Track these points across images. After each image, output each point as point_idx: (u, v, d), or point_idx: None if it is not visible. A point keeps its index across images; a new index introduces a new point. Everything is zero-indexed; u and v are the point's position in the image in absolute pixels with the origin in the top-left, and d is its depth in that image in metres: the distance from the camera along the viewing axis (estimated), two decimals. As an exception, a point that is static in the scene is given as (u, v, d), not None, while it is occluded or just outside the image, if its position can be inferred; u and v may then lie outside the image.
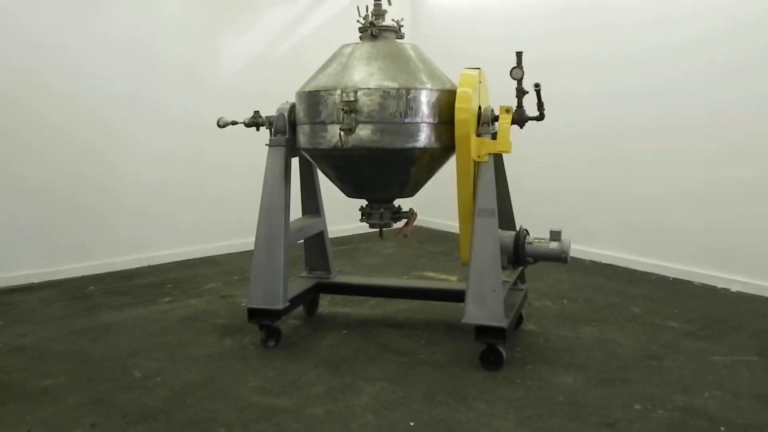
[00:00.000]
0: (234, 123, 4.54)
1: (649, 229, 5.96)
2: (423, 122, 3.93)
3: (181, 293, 5.61)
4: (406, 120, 3.88)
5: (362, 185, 4.19)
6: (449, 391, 3.67)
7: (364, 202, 4.38)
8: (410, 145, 3.92)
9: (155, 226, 6.59)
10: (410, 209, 4.40)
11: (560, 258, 4.16)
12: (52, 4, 5.88)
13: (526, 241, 4.20)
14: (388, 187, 4.16)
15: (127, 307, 5.24)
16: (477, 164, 4.03)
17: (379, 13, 4.27)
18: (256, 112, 4.49)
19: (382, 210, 4.29)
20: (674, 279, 5.74)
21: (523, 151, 6.62)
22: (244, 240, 6.18)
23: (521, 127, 4.18)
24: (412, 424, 3.30)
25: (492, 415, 3.38)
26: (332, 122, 3.92)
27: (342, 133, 3.87)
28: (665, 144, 5.80)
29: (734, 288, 5.44)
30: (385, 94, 3.85)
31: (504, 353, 3.95)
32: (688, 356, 4.10)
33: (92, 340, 4.52)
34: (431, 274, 6.10)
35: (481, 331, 3.92)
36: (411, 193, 4.33)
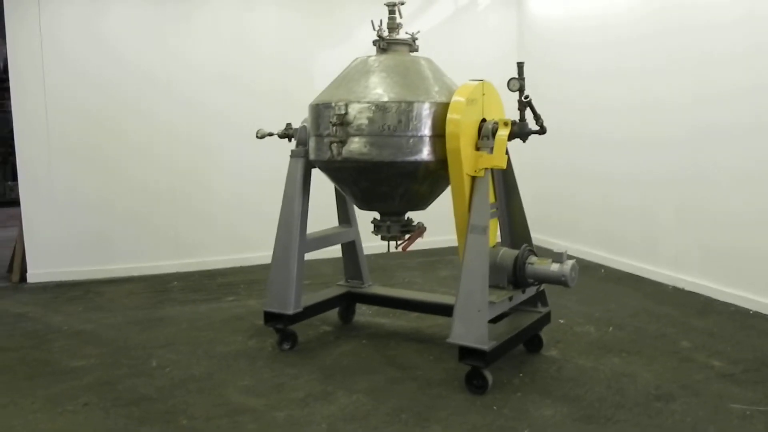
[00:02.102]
0: (270, 134, 4.77)
1: (734, 254, 5.28)
2: (415, 135, 3.91)
3: (246, 294, 5.98)
4: (396, 133, 3.89)
5: (365, 197, 4.25)
6: (418, 411, 3.62)
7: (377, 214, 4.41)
8: (400, 158, 3.91)
9: (249, 230, 7.01)
10: (419, 223, 4.36)
11: (560, 281, 3.91)
12: (148, 31, 6.62)
13: (528, 261, 3.98)
14: (389, 200, 4.17)
15: (192, 302, 5.72)
16: (474, 179, 3.90)
17: (392, 26, 4.30)
18: (288, 124, 4.71)
19: (389, 223, 4.30)
20: (755, 313, 5.05)
21: (612, 165, 6.36)
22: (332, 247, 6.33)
23: (524, 141, 4.02)
24: (352, 437, 3.31)
25: (435, 438, 3.28)
26: (328, 135, 4.01)
27: (333, 145, 3.95)
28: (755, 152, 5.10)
29: (826, 330, 4.69)
30: (376, 107, 3.89)
31: (489, 377, 3.78)
32: (704, 400, 3.65)
33: (141, 329, 5.02)
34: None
35: (464, 352, 3.81)
36: (421, 206, 4.29)
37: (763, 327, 4.79)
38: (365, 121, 3.91)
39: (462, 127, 3.81)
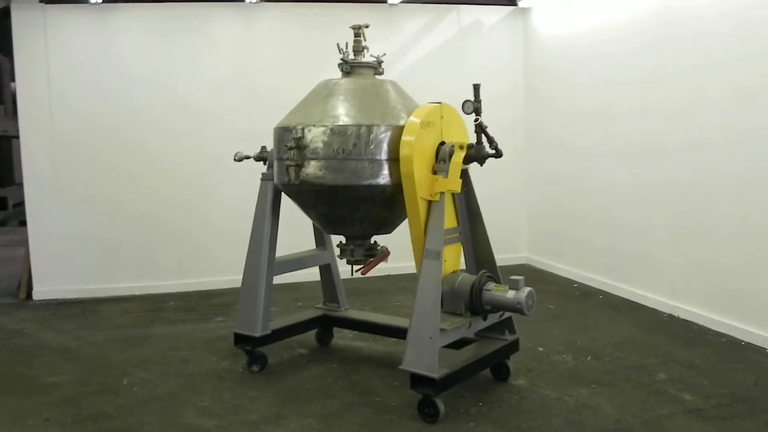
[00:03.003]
0: (248, 157, 4.87)
1: (728, 281, 5.09)
2: (370, 159, 3.94)
3: (237, 315, 6.04)
4: (351, 157, 3.92)
5: (327, 221, 4.31)
6: (364, 438, 3.60)
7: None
8: (355, 182, 3.95)
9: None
10: (382, 247, 4.37)
11: (516, 309, 3.87)
12: (163, 48, 6.85)
13: (485, 288, 3.94)
14: (349, 224, 4.22)
15: (181, 322, 5.86)
16: (431, 203, 3.90)
17: (358, 49, 4.35)
18: (263, 147, 4.79)
19: (353, 247, 4.33)
20: (746, 344, 4.85)
21: (615, 180, 6.22)
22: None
23: (481, 165, 4.00)
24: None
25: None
26: (287, 159, 4.08)
27: (291, 169, 4.01)
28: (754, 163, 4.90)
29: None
30: (330, 131, 3.94)
31: (440, 406, 3.75)
32: (660, 437, 3.52)
33: (123, 347, 5.18)
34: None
35: (415, 379, 3.79)
36: (385, 230, 4.32)
37: (751, 359, 4.60)
38: (320, 145, 3.97)
39: (416, 149, 3.83)
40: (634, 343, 4.99)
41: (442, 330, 3.78)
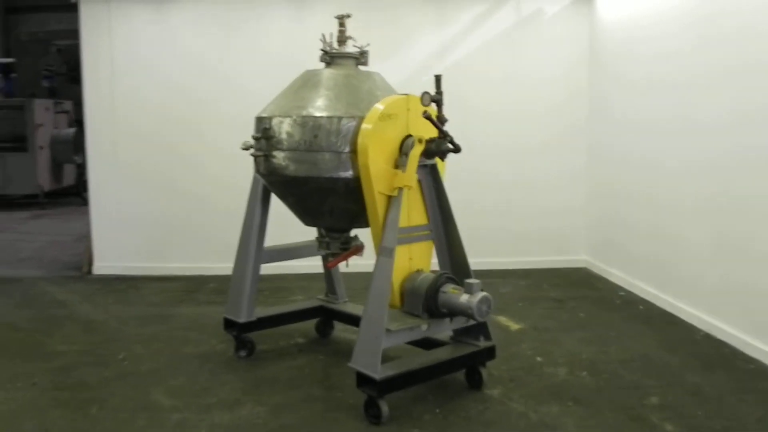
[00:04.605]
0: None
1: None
2: (331, 151, 3.94)
3: (261, 300, 6.24)
4: (312, 148, 3.95)
5: (299, 212, 4.39)
6: (301, 433, 3.67)
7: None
8: (316, 174, 3.99)
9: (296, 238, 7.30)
10: (357, 242, 4.36)
11: (467, 313, 3.74)
12: (220, 36, 7.19)
13: (441, 289, 3.82)
14: (319, 216, 4.27)
15: (207, 304, 6.17)
16: (390, 198, 3.85)
17: (341, 39, 4.36)
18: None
19: (328, 239, 4.36)
20: (776, 373, 4.35)
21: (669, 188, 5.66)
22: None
23: (442, 159, 3.88)
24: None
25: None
26: (259, 149, 4.18)
27: (259, 159, 4.11)
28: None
29: None
30: (293, 121, 3.99)
31: (384, 408, 3.72)
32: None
33: (141, 324, 5.55)
34: (502, 318, 5.63)
35: (360, 378, 3.77)
36: (359, 224, 4.30)
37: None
38: (285, 136, 4.03)
39: (373, 140, 3.79)
40: (645, 361, 4.63)
41: (387, 330, 3.73)
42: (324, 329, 5.25)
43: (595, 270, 7.15)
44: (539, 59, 7.29)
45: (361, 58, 4.38)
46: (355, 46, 4.39)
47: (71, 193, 13.28)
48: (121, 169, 7.24)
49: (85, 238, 7.72)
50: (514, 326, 5.46)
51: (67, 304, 6.16)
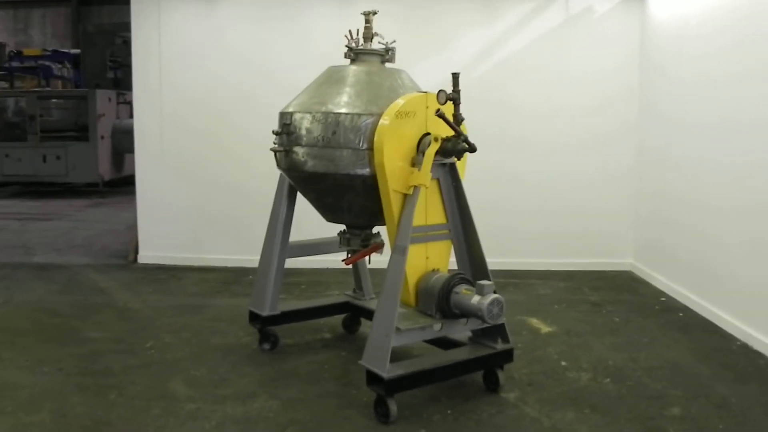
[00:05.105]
0: None
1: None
2: (348, 147, 3.96)
3: (297, 294, 6.40)
4: (330, 144, 3.98)
5: (320, 208, 4.42)
6: (308, 428, 3.75)
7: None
8: (332, 170, 4.01)
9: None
10: (378, 239, 4.36)
11: (477, 315, 3.69)
12: (266, 33, 7.28)
13: (454, 290, 3.79)
14: (338, 212, 4.29)
15: (242, 296, 6.28)
16: (406, 196, 3.84)
17: (367, 36, 4.35)
18: None
19: (349, 236, 4.39)
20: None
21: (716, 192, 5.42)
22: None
23: (458, 159, 3.83)
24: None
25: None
26: (280, 144, 4.23)
27: (279, 154, 4.16)
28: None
29: None
30: (312, 117, 4.02)
31: (392, 407, 3.72)
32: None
33: (174, 314, 5.70)
34: (534, 320, 5.54)
35: (370, 376, 3.78)
36: (381, 221, 4.28)
37: (802, 408, 3.93)
38: (304, 132, 4.06)
39: (389, 138, 3.78)
40: (674, 370, 4.48)
41: (397, 329, 3.72)
42: (351, 325, 5.28)
43: (640, 274, 6.94)
44: (588, 58, 7.12)
45: (386, 55, 4.36)
46: (380, 42, 4.38)
47: (131, 183, 13.73)
48: (166, 161, 7.44)
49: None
50: (545, 329, 5.37)
51: (107, 291, 6.39)
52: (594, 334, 5.20)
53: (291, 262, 7.16)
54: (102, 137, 12.76)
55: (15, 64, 16.47)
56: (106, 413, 3.90)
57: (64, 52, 17.70)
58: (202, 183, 7.45)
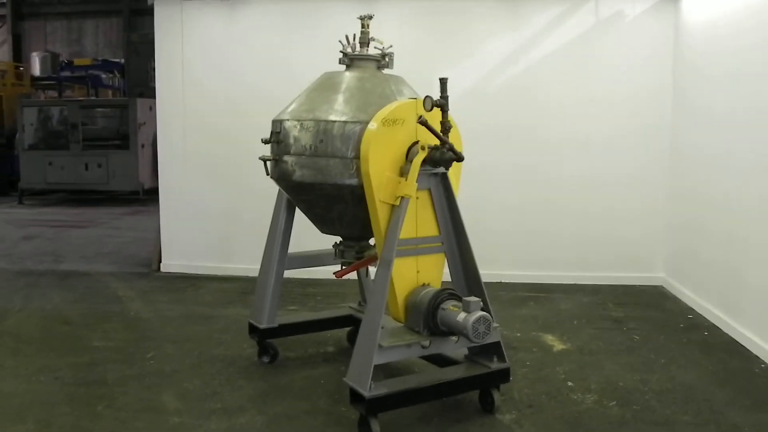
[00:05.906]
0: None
1: None
2: (336, 156, 3.87)
3: (311, 305, 6.34)
4: (317, 153, 3.90)
5: (312, 219, 4.33)
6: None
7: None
8: (320, 180, 3.93)
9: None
10: (372, 251, 4.26)
11: (462, 333, 3.54)
12: (287, 38, 7.26)
13: (441, 306, 3.65)
14: (330, 223, 4.21)
15: (253, 306, 6.21)
16: (393, 207, 3.73)
17: (363, 41, 4.27)
18: None
19: (342, 247, 4.30)
20: (831, 421, 3.83)
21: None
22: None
23: (446, 168, 3.69)
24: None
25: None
26: (270, 153, 4.17)
27: (269, 163, 4.10)
28: None
29: None
30: (300, 126, 3.95)
31: (374, 428, 3.60)
32: None
33: (183, 324, 5.72)
34: (548, 336, 5.33)
35: (353, 395, 3.67)
36: (371, 233, 4.18)
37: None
38: (292, 140, 3.99)
39: (374, 146, 3.68)
40: (687, 393, 4.22)
41: (380, 346, 3.60)
42: (355, 339, 5.15)
43: (671, 290, 6.63)
44: (619, 64, 6.89)
45: (382, 60, 4.26)
46: (376, 48, 4.27)
47: (171, 191, 14.02)
48: (190, 167, 7.50)
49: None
50: (558, 346, 5.16)
51: (123, 300, 6.45)
52: (609, 353, 4.97)
53: (308, 273, 7.21)
54: (143, 145, 13.03)
55: (65, 73, 17.02)
56: (91, 424, 3.90)
57: (113, 62, 18.23)
58: (225, 190, 7.47)
